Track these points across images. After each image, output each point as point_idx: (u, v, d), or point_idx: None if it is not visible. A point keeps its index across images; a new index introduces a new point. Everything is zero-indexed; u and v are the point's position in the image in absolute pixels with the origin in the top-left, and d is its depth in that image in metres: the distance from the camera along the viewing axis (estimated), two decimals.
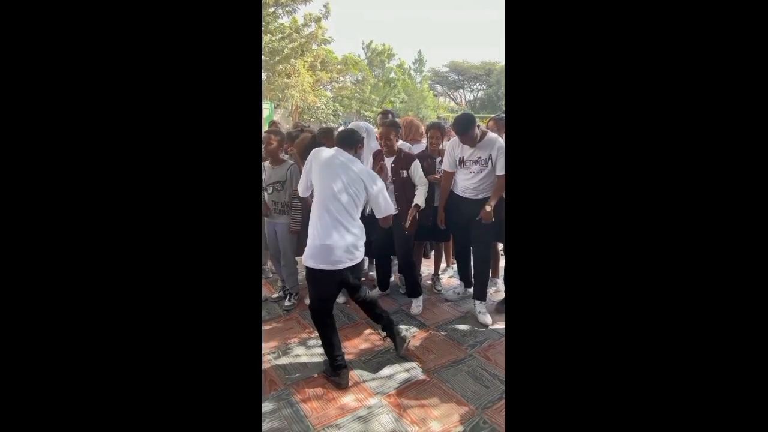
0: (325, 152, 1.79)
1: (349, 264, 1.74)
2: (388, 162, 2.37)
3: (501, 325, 2.32)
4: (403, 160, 2.36)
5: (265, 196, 2.46)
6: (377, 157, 2.40)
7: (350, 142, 1.83)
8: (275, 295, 2.64)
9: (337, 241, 1.68)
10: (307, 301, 2.53)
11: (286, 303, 2.54)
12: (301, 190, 1.88)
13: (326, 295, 1.82)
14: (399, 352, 1.97)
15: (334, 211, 1.69)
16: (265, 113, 12.24)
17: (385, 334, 2.01)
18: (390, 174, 2.36)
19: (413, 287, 2.49)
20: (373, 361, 1.99)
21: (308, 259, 1.72)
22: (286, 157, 2.54)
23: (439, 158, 2.54)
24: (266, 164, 2.46)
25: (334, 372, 1.81)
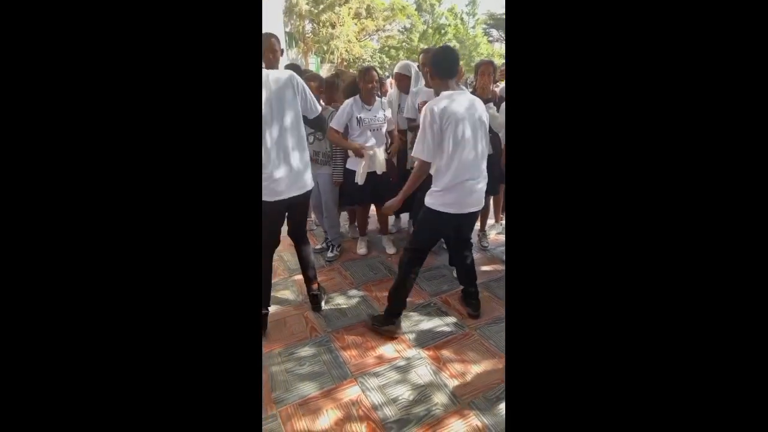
0: (454, 102, 1.57)
1: (474, 209, 1.70)
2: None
3: None
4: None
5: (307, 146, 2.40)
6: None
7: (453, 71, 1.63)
8: (318, 247, 2.67)
9: (473, 185, 1.63)
10: (362, 250, 2.58)
11: (329, 254, 2.56)
12: (427, 155, 1.59)
13: (435, 241, 1.87)
14: (476, 313, 1.91)
15: (474, 157, 1.62)
16: (312, 68, 12.04)
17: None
18: None
19: None
20: (414, 314, 1.95)
21: (437, 200, 1.65)
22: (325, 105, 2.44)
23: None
24: (356, 98, 2.31)
25: (389, 320, 1.78)
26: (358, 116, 2.24)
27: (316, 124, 1.85)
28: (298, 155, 1.71)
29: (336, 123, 2.22)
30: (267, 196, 1.63)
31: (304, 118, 1.74)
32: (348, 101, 2.25)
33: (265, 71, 1.62)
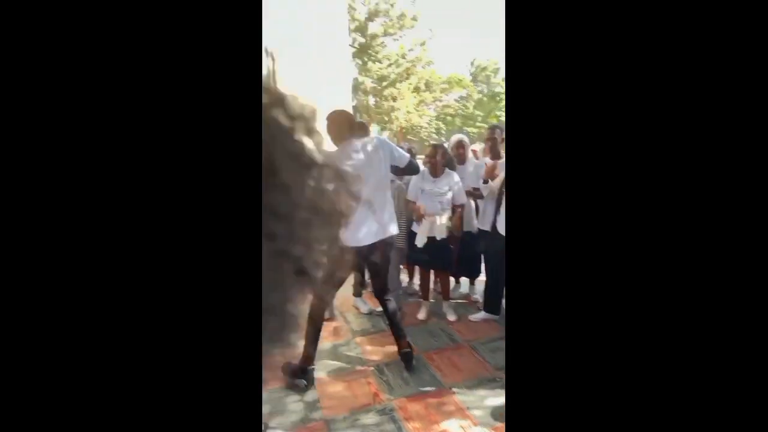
0: None
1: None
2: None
3: None
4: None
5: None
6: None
7: None
8: (379, 309, 2.73)
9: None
10: (422, 315, 2.61)
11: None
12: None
13: None
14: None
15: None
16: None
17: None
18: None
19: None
20: (478, 388, 1.89)
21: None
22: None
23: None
24: (425, 170, 2.55)
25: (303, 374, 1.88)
26: (422, 187, 2.45)
27: (409, 169, 2.09)
28: (386, 209, 1.93)
29: (410, 194, 2.52)
30: (349, 243, 1.77)
31: (397, 168, 2.00)
32: (422, 170, 2.49)
33: (357, 140, 1.93)
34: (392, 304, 2.05)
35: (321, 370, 2.06)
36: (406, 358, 2.03)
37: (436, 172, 2.46)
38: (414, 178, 2.47)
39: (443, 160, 2.45)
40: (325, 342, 2.36)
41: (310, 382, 1.91)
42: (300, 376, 1.88)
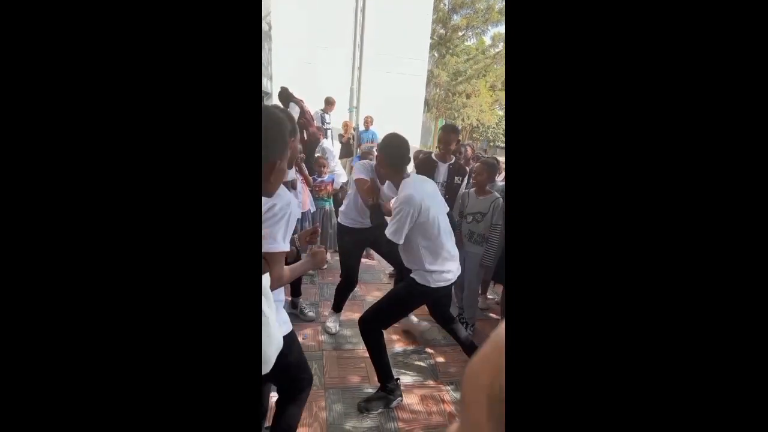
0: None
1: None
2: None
3: None
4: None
5: (463, 224, 2.50)
6: None
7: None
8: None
9: None
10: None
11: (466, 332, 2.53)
12: None
13: None
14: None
15: None
16: (438, 129, 12.80)
17: None
18: None
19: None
20: None
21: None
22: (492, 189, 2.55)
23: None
24: (471, 192, 2.51)
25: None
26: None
27: None
28: (452, 246, 1.79)
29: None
30: (431, 283, 1.72)
31: None
32: None
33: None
34: (462, 332, 1.96)
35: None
36: None
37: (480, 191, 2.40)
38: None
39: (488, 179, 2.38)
40: (395, 345, 2.33)
41: (399, 393, 1.85)
42: (390, 395, 1.80)
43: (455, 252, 1.77)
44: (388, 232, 1.65)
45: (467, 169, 2.58)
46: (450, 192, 2.46)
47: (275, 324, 0.88)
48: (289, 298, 2.59)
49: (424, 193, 1.67)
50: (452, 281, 1.77)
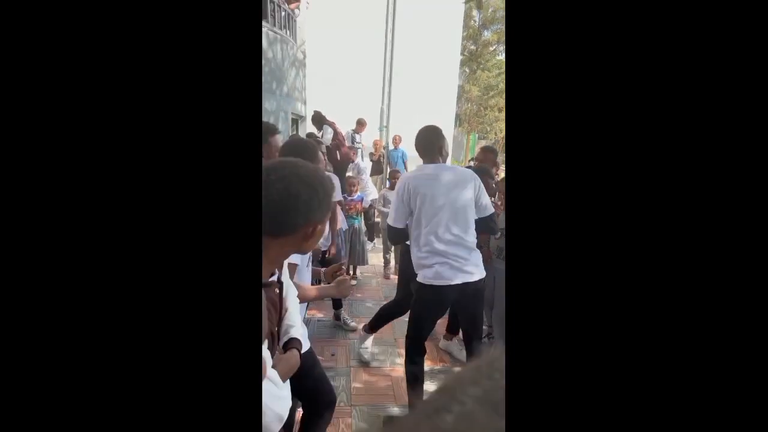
0: None
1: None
2: None
3: None
4: None
5: (491, 240, 2.48)
6: None
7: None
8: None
9: None
10: None
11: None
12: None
13: None
14: None
15: None
16: (470, 144, 12.72)
17: None
18: None
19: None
20: None
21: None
22: None
23: None
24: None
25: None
26: None
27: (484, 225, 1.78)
28: (466, 243, 1.69)
29: None
30: (435, 280, 1.67)
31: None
32: None
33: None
34: (478, 346, 1.86)
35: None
36: None
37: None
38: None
39: None
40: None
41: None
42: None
43: (454, 250, 1.64)
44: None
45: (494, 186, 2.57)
46: None
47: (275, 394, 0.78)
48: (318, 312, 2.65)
49: (426, 178, 1.64)
50: (452, 282, 1.64)
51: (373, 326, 2.31)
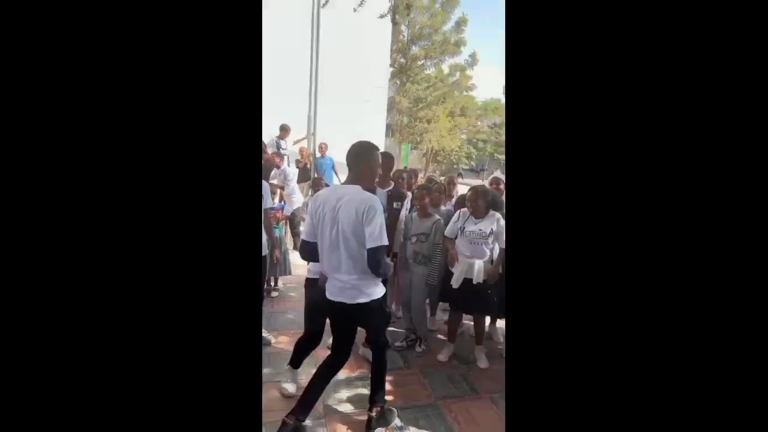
0: None
1: None
2: None
3: None
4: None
5: (408, 245, 2.55)
6: None
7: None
8: (397, 344, 2.64)
9: None
10: (443, 357, 2.49)
11: (417, 349, 2.60)
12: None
13: None
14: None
15: None
16: (402, 154, 13.14)
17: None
18: None
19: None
20: None
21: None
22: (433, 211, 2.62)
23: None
24: (414, 215, 2.58)
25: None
26: (462, 227, 2.37)
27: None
28: (351, 271, 1.59)
29: (449, 231, 2.43)
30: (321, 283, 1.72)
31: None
32: (461, 211, 2.44)
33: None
34: (380, 358, 1.81)
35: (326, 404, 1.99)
36: (368, 425, 1.78)
37: (477, 214, 2.35)
38: (456, 215, 2.43)
39: (485, 203, 2.35)
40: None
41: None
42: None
43: (326, 267, 1.63)
44: None
45: (407, 194, 2.65)
46: (391, 217, 2.50)
47: None
48: None
49: (328, 197, 1.60)
50: (331, 299, 1.62)
51: (293, 362, 2.15)
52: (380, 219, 1.51)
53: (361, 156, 1.61)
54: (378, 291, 1.65)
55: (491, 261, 2.36)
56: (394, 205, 2.51)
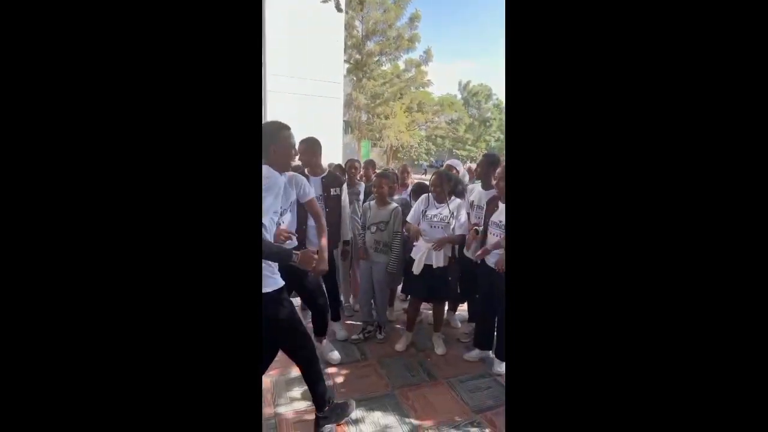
0: None
1: None
2: None
3: None
4: None
5: (367, 235, 2.49)
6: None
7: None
8: (354, 337, 2.57)
9: None
10: (400, 346, 2.45)
11: (378, 336, 2.57)
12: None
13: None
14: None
15: None
16: (363, 151, 13.05)
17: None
18: None
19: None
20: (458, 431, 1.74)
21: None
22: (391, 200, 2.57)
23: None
24: (372, 203, 2.52)
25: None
26: (424, 210, 2.35)
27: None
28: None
29: (411, 217, 2.38)
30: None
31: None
32: (423, 196, 2.40)
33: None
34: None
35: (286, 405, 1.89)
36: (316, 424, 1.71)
37: (440, 198, 2.33)
38: (417, 201, 2.38)
39: (449, 188, 2.33)
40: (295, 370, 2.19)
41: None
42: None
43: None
44: None
45: (343, 179, 2.56)
46: (330, 204, 2.41)
47: None
48: None
49: (267, 186, 1.47)
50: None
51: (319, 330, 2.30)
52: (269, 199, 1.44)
53: (267, 138, 1.48)
54: (269, 283, 1.47)
55: (452, 247, 2.36)
56: (332, 191, 2.41)
